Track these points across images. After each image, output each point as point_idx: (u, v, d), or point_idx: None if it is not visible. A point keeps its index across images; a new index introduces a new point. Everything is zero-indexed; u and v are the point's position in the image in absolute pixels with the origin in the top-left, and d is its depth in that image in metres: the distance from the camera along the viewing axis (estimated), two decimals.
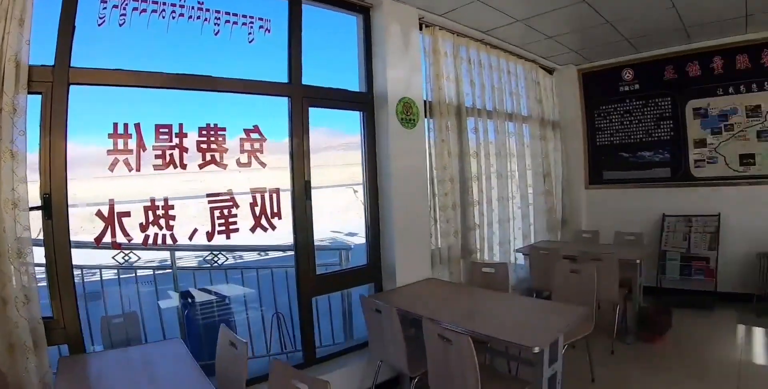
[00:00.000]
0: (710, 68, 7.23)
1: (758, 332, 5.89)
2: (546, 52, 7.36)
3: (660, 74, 7.63)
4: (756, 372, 4.84)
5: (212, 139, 3.37)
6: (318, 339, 4.90)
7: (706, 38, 7.10)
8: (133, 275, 4.89)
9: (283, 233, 4.16)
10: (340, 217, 11.89)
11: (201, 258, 5.43)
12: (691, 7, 5.75)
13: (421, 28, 5.14)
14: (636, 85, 7.91)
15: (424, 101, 5.08)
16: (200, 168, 3.29)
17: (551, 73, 8.18)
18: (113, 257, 4.49)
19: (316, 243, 4.36)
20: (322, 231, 12.22)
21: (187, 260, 5.72)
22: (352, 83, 4.75)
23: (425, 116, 5.08)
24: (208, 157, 3.33)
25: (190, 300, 4.89)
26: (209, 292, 5.18)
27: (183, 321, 4.65)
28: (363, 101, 4.65)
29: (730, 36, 6.99)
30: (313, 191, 4.28)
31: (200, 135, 3.33)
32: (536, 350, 2.99)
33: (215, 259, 5.19)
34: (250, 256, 6.65)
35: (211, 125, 3.39)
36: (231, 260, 6.25)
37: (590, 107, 8.30)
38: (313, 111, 4.28)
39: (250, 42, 3.81)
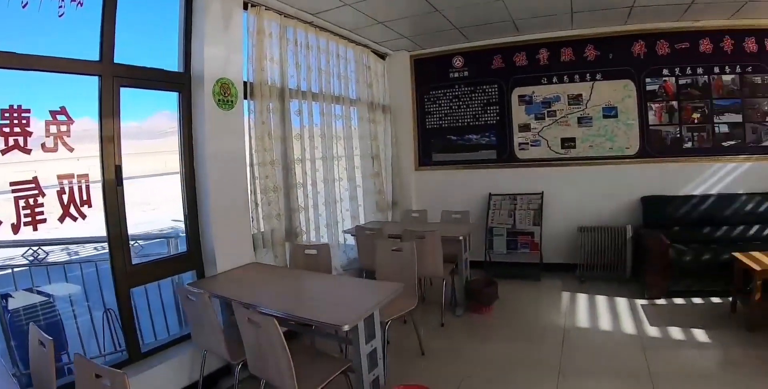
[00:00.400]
0: (537, 59, 8.13)
1: (581, 298, 6.85)
2: (378, 37, 7.73)
3: (489, 63, 8.41)
4: (579, 335, 5.60)
5: (15, 122, 3.24)
6: (152, 333, 4.91)
7: (535, 32, 7.91)
8: None
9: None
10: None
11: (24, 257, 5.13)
12: (519, 2, 6.35)
13: (246, 8, 5.20)
14: (465, 72, 8.61)
15: (245, 82, 5.16)
16: (2, 154, 3.15)
17: (384, 59, 8.62)
18: None
19: (156, 232, 4.25)
20: (164, 220, 11.87)
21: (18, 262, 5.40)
22: (173, 63, 4.69)
23: (245, 98, 5.16)
24: (11, 142, 3.20)
25: (9, 304, 4.61)
26: (34, 293, 4.89)
27: (6, 327, 4.39)
28: (180, 81, 4.60)
29: (557, 31, 7.86)
30: (153, 179, 4.18)
31: (3, 118, 3.17)
32: (346, 328, 3.14)
33: (36, 256, 5.00)
34: (87, 251, 6.37)
35: (15, 107, 3.24)
36: (66, 257, 6.00)
37: (421, 91, 8.87)
38: (156, 94, 4.36)
39: (60, 16, 3.60)
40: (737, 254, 5.76)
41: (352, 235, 6.73)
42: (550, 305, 6.65)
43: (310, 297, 4.09)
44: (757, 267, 5.23)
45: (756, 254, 5.71)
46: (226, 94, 4.78)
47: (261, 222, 5.34)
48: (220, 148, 4.72)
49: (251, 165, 5.24)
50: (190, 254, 4.73)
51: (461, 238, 6.19)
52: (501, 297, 6.59)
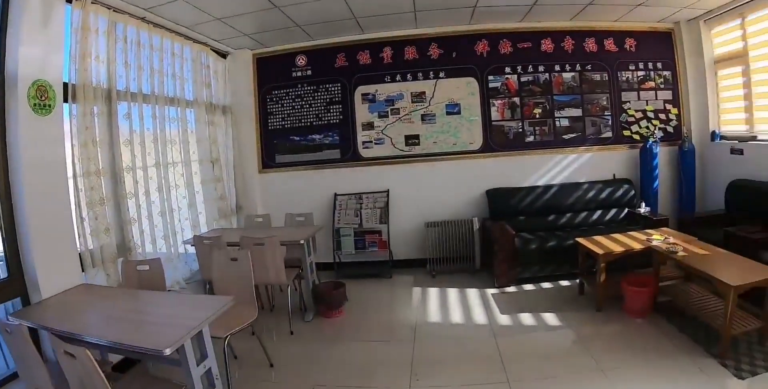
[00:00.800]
0: (380, 58, 8.31)
1: (432, 292, 7.08)
2: (218, 35, 7.53)
3: (332, 61, 8.44)
4: (431, 328, 5.82)
5: None
6: None
7: (379, 30, 8.09)
8: None
9: None
10: None
11: None
12: (360, 0, 6.46)
13: (69, 0, 4.77)
14: (309, 71, 8.56)
15: (66, 84, 4.72)
16: None
17: (224, 57, 8.40)
18: None
19: None
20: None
21: None
22: None
23: (66, 101, 4.72)
24: None
25: None
26: None
27: None
28: None
29: (401, 29, 8.11)
30: None
31: None
32: (167, 352, 2.92)
33: None
34: None
35: None
36: None
37: (263, 91, 8.72)
38: None
39: None
40: (580, 240, 6.32)
41: (191, 245, 6.42)
42: (402, 302, 6.82)
43: (137, 320, 3.79)
44: (599, 251, 5.77)
45: (598, 238, 6.31)
46: (43, 98, 4.31)
47: (88, 239, 4.95)
48: (36, 158, 4.26)
49: (74, 176, 4.82)
50: (12, 280, 4.23)
51: (302, 242, 6.10)
52: (351, 299, 6.76)
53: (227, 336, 4.32)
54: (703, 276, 4.85)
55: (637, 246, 5.82)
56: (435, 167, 8.29)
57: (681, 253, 5.32)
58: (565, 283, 6.94)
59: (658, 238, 5.93)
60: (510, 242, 6.87)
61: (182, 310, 3.84)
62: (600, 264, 5.71)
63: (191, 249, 6.58)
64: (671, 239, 5.86)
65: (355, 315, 6.39)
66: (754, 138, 7.33)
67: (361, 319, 6.26)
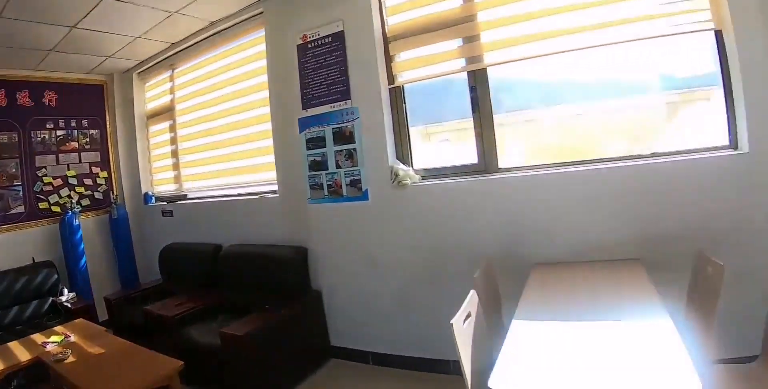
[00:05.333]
0: None
1: None
2: None
3: None
4: None
5: None
6: None
7: None
8: None
9: None
10: None
11: None
12: None
13: None
14: None
15: None
16: None
17: None
18: None
19: None
20: None
21: None
22: None
23: None
24: None
25: None
26: None
27: None
28: None
29: None
30: None
31: None
32: None
33: None
34: None
35: None
36: None
37: None
38: None
39: None
40: None
41: None
42: None
43: None
44: None
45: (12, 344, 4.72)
46: None
47: None
48: None
49: None
50: None
51: None
52: None
53: None
54: None
55: (26, 357, 4.29)
56: None
57: (70, 359, 4.06)
58: None
59: (57, 339, 4.50)
60: None
61: None
62: None
63: None
64: (72, 338, 4.57)
65: None
66: (185, 197, 6.98)
67: None
